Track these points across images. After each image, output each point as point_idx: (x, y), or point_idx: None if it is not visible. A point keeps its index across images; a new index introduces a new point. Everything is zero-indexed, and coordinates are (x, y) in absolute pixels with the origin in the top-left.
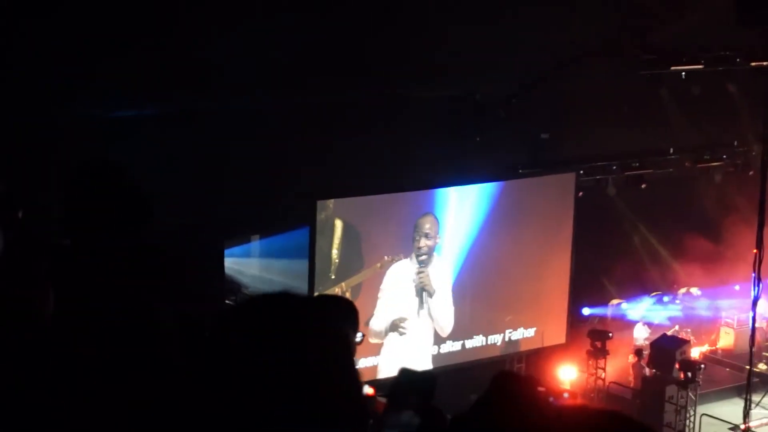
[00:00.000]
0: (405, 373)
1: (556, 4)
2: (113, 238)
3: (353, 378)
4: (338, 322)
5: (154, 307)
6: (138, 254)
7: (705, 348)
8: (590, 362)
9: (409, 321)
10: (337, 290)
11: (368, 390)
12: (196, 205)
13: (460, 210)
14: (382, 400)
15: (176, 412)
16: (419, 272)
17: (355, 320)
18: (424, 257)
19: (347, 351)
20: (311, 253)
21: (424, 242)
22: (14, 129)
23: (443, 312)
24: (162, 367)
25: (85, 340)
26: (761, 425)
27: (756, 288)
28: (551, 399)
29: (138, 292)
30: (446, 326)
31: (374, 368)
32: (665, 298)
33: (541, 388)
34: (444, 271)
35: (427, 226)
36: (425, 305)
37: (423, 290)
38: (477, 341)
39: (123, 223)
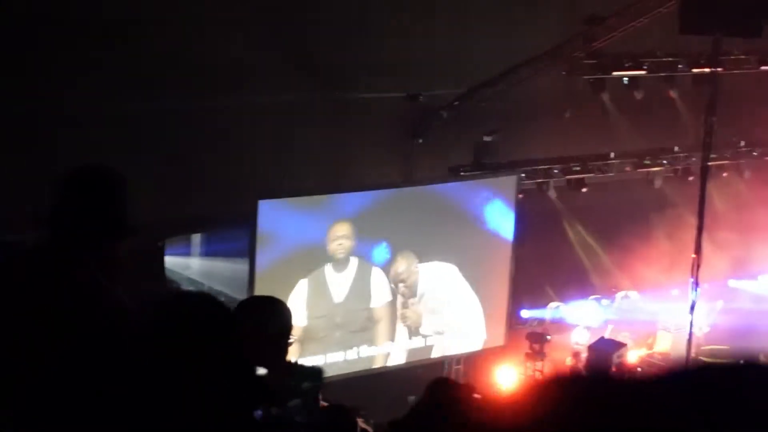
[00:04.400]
0: (294, 365)
1: (501, 8)
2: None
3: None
4: (241, 324)
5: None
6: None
7: (642, 351)
8: (528, 364)
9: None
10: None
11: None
12: (137, 203)
13: (402, 212)
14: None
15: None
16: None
17: (280, 322)
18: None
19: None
20: (251, 253)
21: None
22: None
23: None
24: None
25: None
26: None
27: (694, 292)
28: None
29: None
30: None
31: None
32: (604, 302)
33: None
34: (380, 274)
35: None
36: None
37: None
38: (416, 342)
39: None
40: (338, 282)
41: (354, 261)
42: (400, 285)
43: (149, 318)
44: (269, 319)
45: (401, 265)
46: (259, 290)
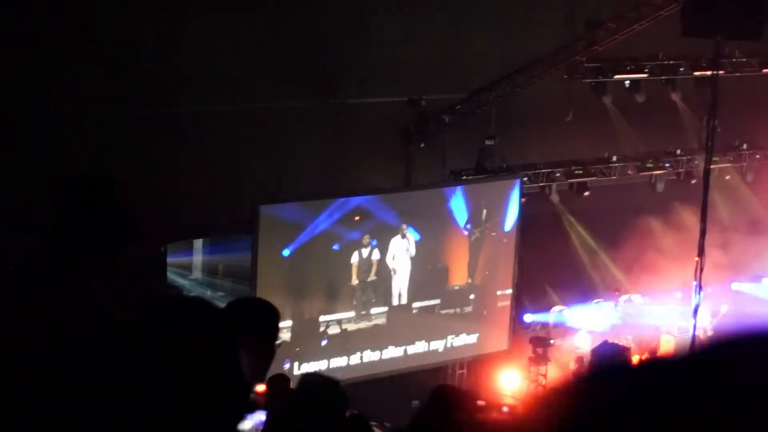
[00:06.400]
0: (309, 378)
1: (503, 12)
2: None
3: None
4: (236, 328)
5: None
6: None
7: (645, 355)
8: (532, 369)
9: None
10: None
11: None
12: (138, 209)
13: (406, 216)
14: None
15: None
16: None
17: (267, 325)
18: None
19: (227, 356)
20: (254, 258)
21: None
22: None
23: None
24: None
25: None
26: None
27: (697, 296)
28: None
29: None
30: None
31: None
32: (607, 305)
33: (480, 402)
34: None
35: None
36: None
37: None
38: (419, 347)
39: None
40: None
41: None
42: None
43: (137, 323)
44: (258, 319)
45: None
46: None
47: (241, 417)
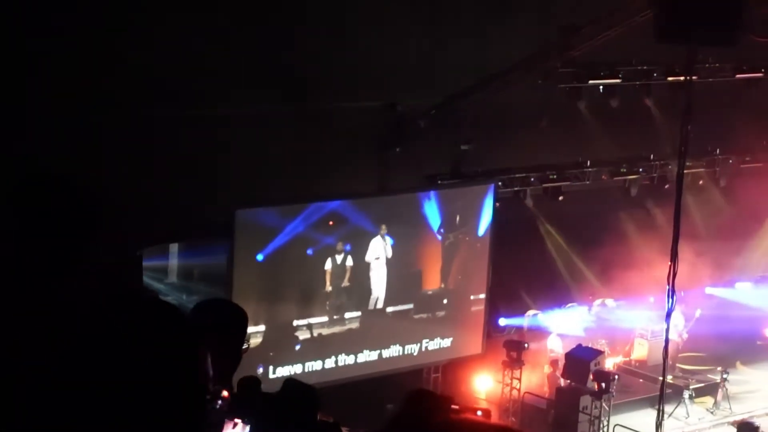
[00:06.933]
0: (290, 384)
1: (478, 18)
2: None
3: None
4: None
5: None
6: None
7: (619, 359)
8: (506, 372)
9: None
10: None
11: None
12: (115, 213)
13: (380, 221)
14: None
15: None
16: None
17: (233, 327)
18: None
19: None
20: (229, 262)
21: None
22: None
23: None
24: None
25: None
26: None
27: (670, 300)
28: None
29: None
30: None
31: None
32: (581, 309)
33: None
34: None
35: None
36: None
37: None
38: (394, 351)
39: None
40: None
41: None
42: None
43: (93, 322)
44: (226, 321)
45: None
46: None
47: (199, 419)
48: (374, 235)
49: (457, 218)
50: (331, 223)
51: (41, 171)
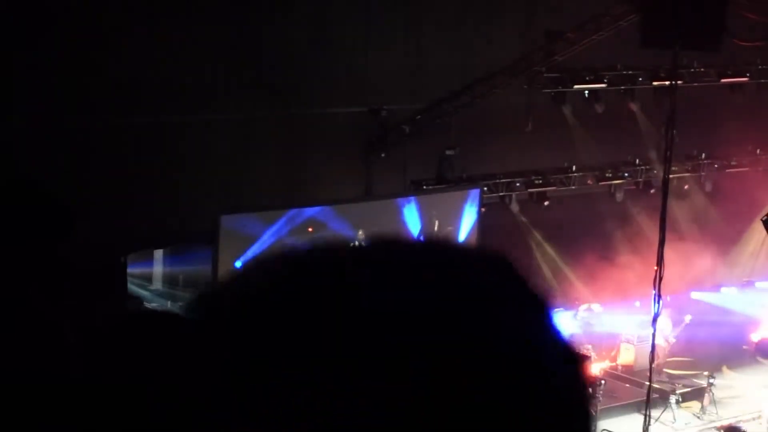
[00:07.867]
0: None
1: (462, 23)
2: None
3: None
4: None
5: (57, 321)
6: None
7: (605, 364)
8: None
9: None
10: None
11: None
12: (99, 219)
13: (359, 227)
14: None
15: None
16: None
17: None
18: None
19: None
20: (214, 268)
21: None
22: None
23: None
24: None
25: None
26: None
27: (656, 305)
28: None
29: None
30: None
31: None
32: (567, 314)
33: None
34: None
35: None
36: None
37: None
38: None
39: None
40: None
41: None
42: None
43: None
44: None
45: None
46: None
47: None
48: (356, 239)
49: (437, 224)
50: (310, 229)
51: (11, 177)
